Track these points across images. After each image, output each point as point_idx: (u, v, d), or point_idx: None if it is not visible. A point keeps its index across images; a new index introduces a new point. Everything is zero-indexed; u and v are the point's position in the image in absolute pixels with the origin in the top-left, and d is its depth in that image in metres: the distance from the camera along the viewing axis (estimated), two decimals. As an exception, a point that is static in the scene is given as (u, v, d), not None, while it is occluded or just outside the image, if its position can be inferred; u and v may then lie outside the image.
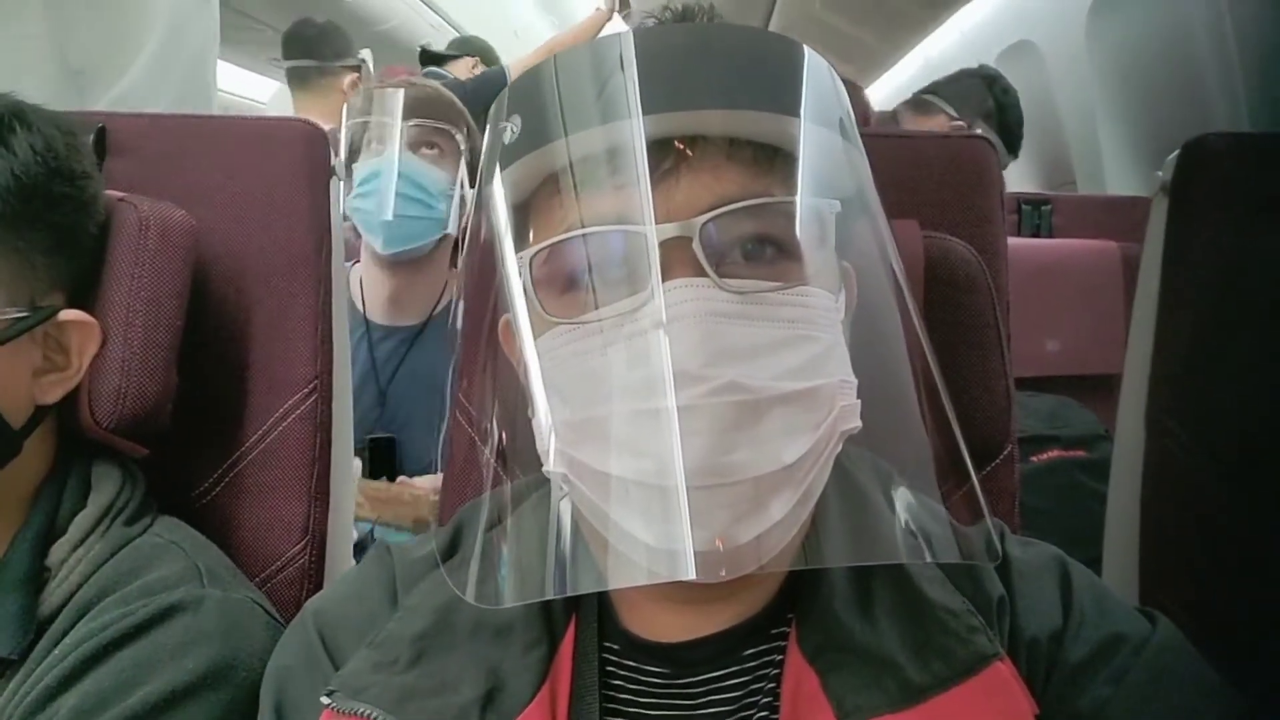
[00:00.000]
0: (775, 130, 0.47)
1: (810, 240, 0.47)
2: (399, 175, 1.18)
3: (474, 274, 0.58)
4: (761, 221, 0.46)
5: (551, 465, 0.46)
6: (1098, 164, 2.13)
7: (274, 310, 0.77)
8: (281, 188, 0.79)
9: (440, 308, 1.25)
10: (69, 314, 0.62)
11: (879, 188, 0.68)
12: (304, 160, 0.79)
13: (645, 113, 0.44)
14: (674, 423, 0.41)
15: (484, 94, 2.73)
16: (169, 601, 0.57)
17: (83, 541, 0.61)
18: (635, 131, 0.45)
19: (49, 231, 0.60)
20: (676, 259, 0.44)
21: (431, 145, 1.22)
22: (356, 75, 2.21)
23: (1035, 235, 1.69)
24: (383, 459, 1.14)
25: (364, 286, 1.25)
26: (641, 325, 0.43)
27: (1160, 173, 0.76)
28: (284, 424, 0.76)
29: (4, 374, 0.58)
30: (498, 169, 0.50)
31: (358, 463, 1.09)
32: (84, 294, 0.65)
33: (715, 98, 0.46)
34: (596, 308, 0.45)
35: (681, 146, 0.45)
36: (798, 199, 0.47)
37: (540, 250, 0.47)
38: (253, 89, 5.33)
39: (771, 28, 3.39)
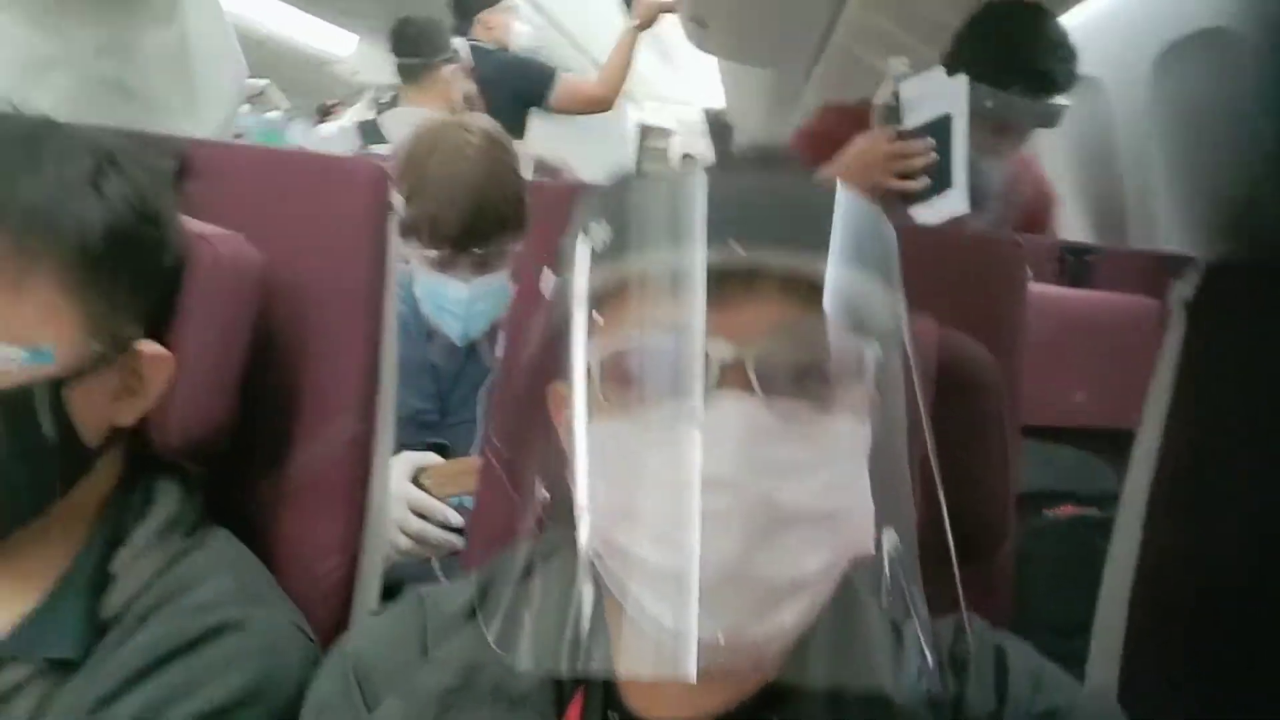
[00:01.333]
0: (829, 273, 0.53)
1: (850, 374, 0.53)
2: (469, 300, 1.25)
3: (534, 331, 0.63)
4: (809, 352, 0.52)
5: (585, 540, 0.52)
6: (1152, 215, 2.12)
7: (329, 339, 0.83)
8: (344, 222, 0.84)
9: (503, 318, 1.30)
10: (147, 346, 0.68)
11: (906, 280, 0.73)
12: (367, 198, 0.84)
13: (721, 242, 0.51)
14: (697, 521, 0.47)
15: (519, 83, 2.74)
16: (216, 620, 0.63)
17: (144, 551, 0.67)
18: (697, 261, 0.51)
19: (132, 271, 0.66)
20: (730, 374, 0.50)
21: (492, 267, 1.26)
22: (455, 65, 2.43)
23: (1076, 285, 1.70)
24: None
25: (423, 292, 1.30)
26: (688, 427, 0.49)
27: (1180, 283, 0.79)
28: (330, 447, 0.82)
29: (86, 400, 0.64)
30: (584, 264, 0.55)
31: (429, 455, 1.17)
32: (161, 323, 0.71)
33: (783, 239, 0.52)
34: (651, 404, 0.51)
35: (744, 276, 0.52)
36: (844, 338, 0.53)
37: (612, 346, 0.53)
38: (332, 44, 5.44)
39: (820, 71, 3.39)
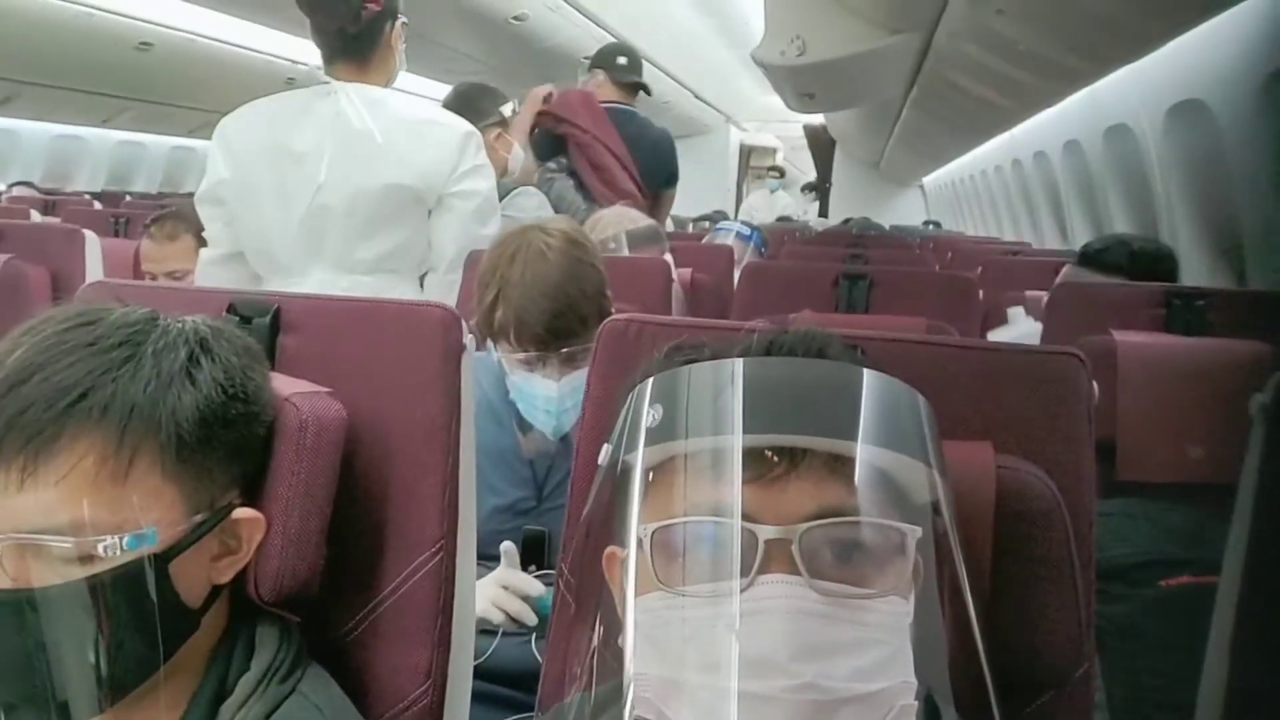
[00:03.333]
0: (873, 457, 0.56)
1: (892, 550, 0.56)
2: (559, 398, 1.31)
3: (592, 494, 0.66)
4: (854, 534, 0.55)
5: (629, 708, 0.54)
6: (1269, 243, 2.01)
7: (408, 476, 0.88)
8: (420, 365, 0.89)
9: None
10: (241, 512, 0.74)
11: (959, 400, 0.74)
12: (440, 341, 0.90)
13: (765, 427, 0.55)
14: (735, 703, 0.50)
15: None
16: None
17: (245, 702, 0.73)
18: (735, 446, 0.55)
19: (226, 446, 0.73)
20: (776, 555, 0.53)
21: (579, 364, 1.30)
22: (500, 130, 2.52)
23: (1186, 333, 1.62)
24: (534, 551, 1.27)
25: (515, 392, 1.35)
26: (736, 610, 0.52)
27: (1260, 395, 0.75)
28: (414, 579, 0.87)
29: (188, 565, 0.71)
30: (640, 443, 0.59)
31: (511, 548, 1.23)
32: (255, 483, 0.77)
33: (825, 426, 0.55)
34: (698, 583, 0.54)
35: (787, 459, 0.55)
36: (884, 515, 0.56)
37: (660, 523, 0.56)
38: (434, 92, 5.77)
39: (914, 95, 3.40)
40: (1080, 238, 3.83)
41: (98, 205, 4.28)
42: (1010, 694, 0.73)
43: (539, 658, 1.15)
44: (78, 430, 0.65)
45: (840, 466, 0.55)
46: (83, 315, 0.70)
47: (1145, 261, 1.89)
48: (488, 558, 1.25)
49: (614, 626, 0.62)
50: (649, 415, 0.58)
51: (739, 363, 0.57)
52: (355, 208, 1.78)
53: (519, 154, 2.62)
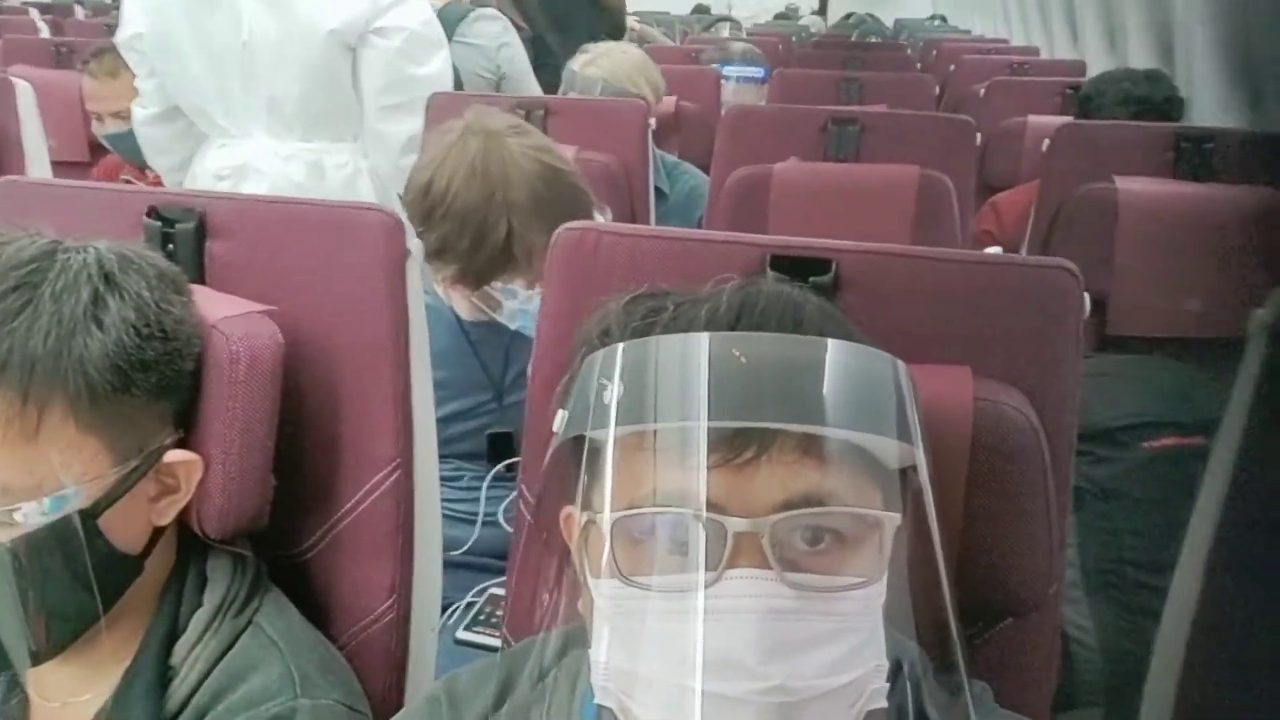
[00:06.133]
0: (848, 440, 0.52)
1: (870, 539, 0.52)
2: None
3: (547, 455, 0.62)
4: (829, 522, 0.51)
5: (598, 694, 0.53)
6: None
7: (358, 393, 0.83)
8: (362, 275, 0.83)
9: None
10: (174, 454, 0.70)
11: (939, 317, 0.69)
12: (383, 248, 0.82)
13: (736, 414, 0.50)
14: (699, 704, 0.48)
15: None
16: (266, 716, 0.68)
17: (199, 639, 0.72)
18: (701, 432, 0.50)
19: (147, 388, 0.67)
20: (745, 548, 0.49)
21: None
22: None
23: (1195, 178, 1.53)
24: (502, 453, 1.24)
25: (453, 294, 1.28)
26: (700, 607, 0.49)
27: (1262, 311, 0.69)
28: (371, 497, 0.84)
29: (122, 514, 0.67)
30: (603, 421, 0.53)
31: None
32: (187, 419, 0.73)
33: (799, 409, 0.50)
34: (661, 574, 0.51)
35: (756, 444, 0.50)
36: (858, 500, 0.52)
37: (621, 508, 0.52)
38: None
39: None
40: (1091, 45, 3.60)
41: (42, 27, 3.98)
42: (976, 620, 0.73)
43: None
44: None
45: (814, 449, 0.50)
46: None
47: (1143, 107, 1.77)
48: (452, 457, 1.23)
49: (573, 580, 0.59)
50: (609, 390, 0.53)
51: (704, 339, 0.51)
52: (282, 57, 1.63)
53: None
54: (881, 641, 0.52)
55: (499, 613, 1.17)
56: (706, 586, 0.49)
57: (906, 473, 0.55)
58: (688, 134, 2.28)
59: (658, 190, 1.82)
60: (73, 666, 0.70)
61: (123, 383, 0.65)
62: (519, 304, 1.21)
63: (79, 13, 5.46)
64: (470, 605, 1.21)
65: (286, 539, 0.84)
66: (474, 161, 1.16)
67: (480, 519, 1.23)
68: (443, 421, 1.03)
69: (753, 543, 0.49)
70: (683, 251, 0.76)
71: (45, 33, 3.89)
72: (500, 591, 1.21)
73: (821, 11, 10.17)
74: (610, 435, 0.52)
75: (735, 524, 0.49)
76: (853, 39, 5.92)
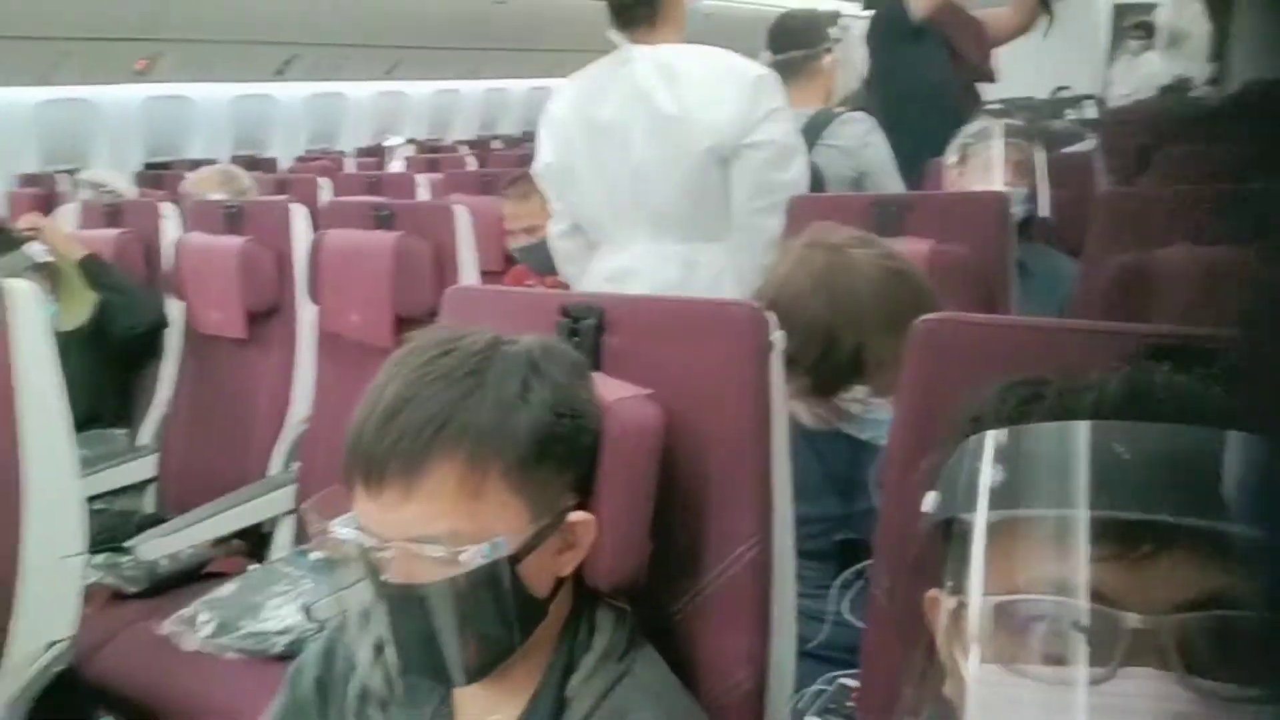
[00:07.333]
0: (1249, 536, 0.48)
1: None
2: None
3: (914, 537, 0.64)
4: (1233, 626, 0.48)
5: None
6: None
7: (724, 472, 0.92)
8: (730, 363, 0.92)
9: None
10: (575, 516, 0.82)
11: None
12: (749, 339, 0.91)
13: (1131, 506, 0.48)
14: None
15: None
16: None
17: (589, 678, 0.83)
18: (1081, 522, 0.49)
19: (559, 458, 0.81)
20: (1142, 645, 0.48)
21: None
22: (832, 55, 2.41)
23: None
24: (849, 560, 1.27)
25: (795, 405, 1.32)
26: (1091, 702, 0.48)
27: None
28: (733, 569, 0.91)
29: (535, 563, 0.80)
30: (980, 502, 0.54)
31: None
32: (588, 484, 0.85)
33: (1202, 505, 0.48)
34: (1046, 668, 0.50)
35: (1161, 537, 0.48)
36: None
37: (1000, 594, 0.52)
38: None
39: None
40: None
41: (470, 160, 4.81)
42: None
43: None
44: (441, 454, 0.76)
45: (1218, 548, 0.47)
46: (439, 345, 0.81)
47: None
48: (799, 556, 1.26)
49: (937, 667, 0.60)
50: (989, 474, 0.53)
51: (1092, 429, 0.50)
52: (666, 176, 1.88)
53: (852, 75, 2.51)
54: None
55: (849, 703, 1.18)
56: (1100, 683, 0.48)
57: None
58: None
59: (1023, 267, 1.76)
60: (489, 690, 0.84)
61: (543, 452, 0.79)
62: (869, 413, 1.23)
63: (495, 144, 6.51)
64: (821, 692, 1.23)
65: (657, 600, 0.94)
66: (818, 275, 1.22)
67: (831, 617, 1.25)
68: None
69: (1151, 642, 0.48)
70: (1045, 341, 0.76)
71: (472, 165, 4.70)
72: (851, 683, 1.21)
73: (1218, 82, 9.04)
74: (1012, 518, 0.52)
75: (1132, 619, 0.48)
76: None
